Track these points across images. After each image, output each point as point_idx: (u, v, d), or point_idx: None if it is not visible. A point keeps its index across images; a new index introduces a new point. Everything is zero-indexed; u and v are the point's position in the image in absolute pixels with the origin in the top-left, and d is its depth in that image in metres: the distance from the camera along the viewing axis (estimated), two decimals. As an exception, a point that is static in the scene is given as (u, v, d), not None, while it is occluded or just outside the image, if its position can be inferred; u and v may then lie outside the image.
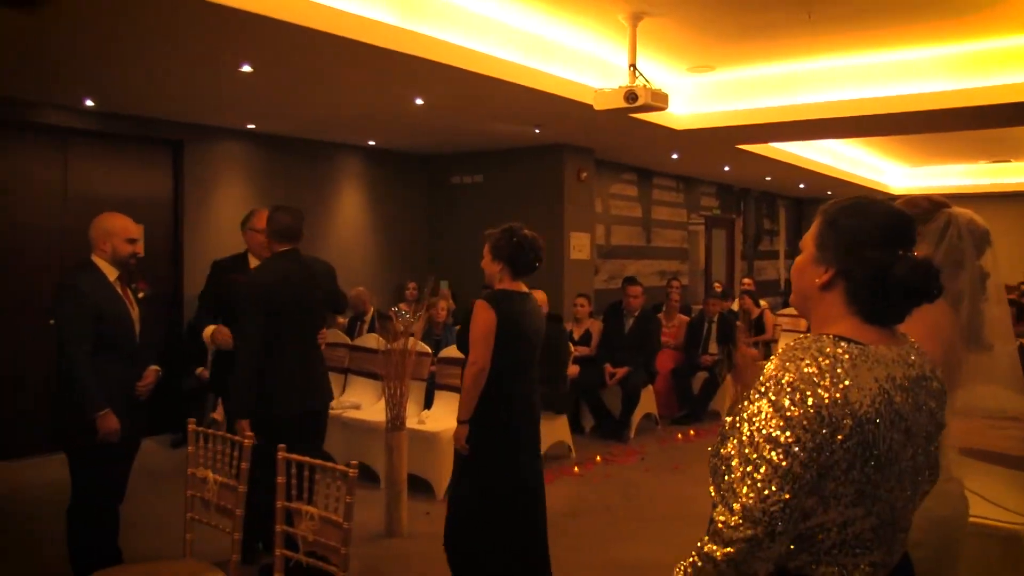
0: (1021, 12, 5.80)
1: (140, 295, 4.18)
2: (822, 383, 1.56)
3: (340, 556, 2.83)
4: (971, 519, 2.67)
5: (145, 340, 4.20)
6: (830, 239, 1.74)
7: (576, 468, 6.95)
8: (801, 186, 14.66)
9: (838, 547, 1.61)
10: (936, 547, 2.21)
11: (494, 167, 10.22)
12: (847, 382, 1.56)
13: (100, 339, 3.90)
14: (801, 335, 1.71)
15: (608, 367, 8.21)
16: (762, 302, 10.82)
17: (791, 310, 10.31)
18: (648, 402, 8.43)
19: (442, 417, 6.36)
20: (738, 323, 9.01)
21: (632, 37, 5.90)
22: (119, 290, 4.05)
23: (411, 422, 5.89)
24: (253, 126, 8.37)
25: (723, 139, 9.01)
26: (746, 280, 12.07)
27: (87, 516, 4.00)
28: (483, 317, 3.85)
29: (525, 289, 4.05)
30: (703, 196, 13.90)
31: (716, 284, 12.21)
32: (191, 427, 3.47)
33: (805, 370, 1.58)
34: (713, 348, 9.15)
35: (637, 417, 8.22)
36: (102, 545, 4.04)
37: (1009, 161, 13.73)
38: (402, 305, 8.87)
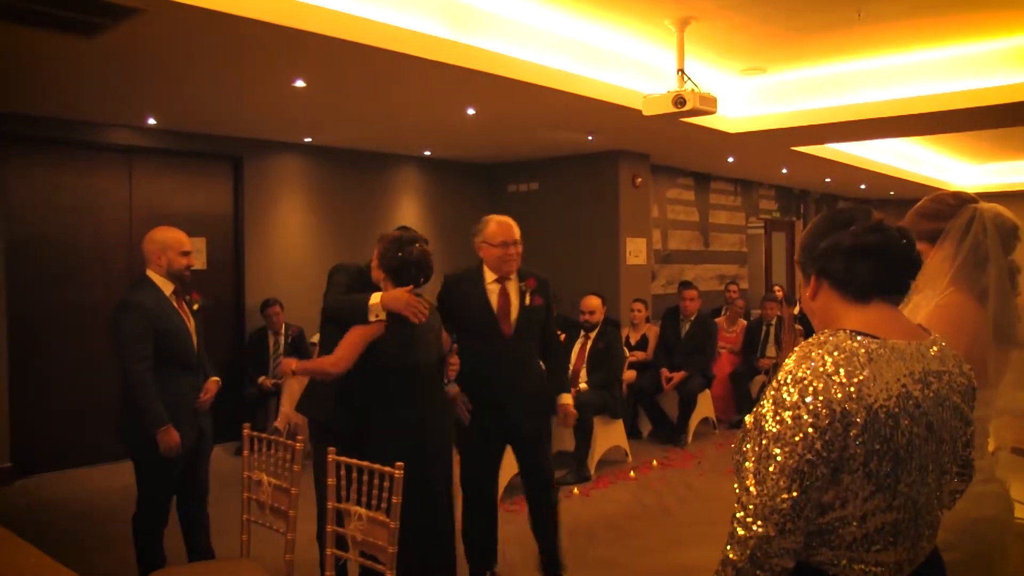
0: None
1: (195, 307, 4.25)
2: (836, 378, 1.57)
3: (388, 555, 2.91)
4: (1018, 520, 2.62)
5: (204, 351, 4.30)
6: (802, 258, 1.85)
7: (632, 472, 6.96)
8: (862, 187, 14.41)
9: (859, 542, 1.62)
10: (971, 550, 2.16)
11: (550, 174, 10.28)
12: (862, 376, 1.58)
13: (160, 353, 3.97)
14: (822, 332, 1.73)
15: (664, 371, 8.20)
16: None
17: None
18: (705, 406, 8.40)
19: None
20: (797, 326, 8.90)
21: (679, 41, 5.91)
22: (175, 304, 4.12)
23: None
24: (310, 139, 8.56)
25: (778, 141, 8.93)
26: (806, 283, 11.89)
27: (147, 516, 4.11)
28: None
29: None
30: (762, 199, 13.76)
31: (776, 288, 12.07)
32: (246, 432, 3.59)
33: (819, 367, 1.59)
34: (771, 351, 9.07)
35: (694, 421, 8.20)
36: (159, 543, 4.15)
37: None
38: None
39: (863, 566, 1.63)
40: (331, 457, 3.17)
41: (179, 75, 5.77)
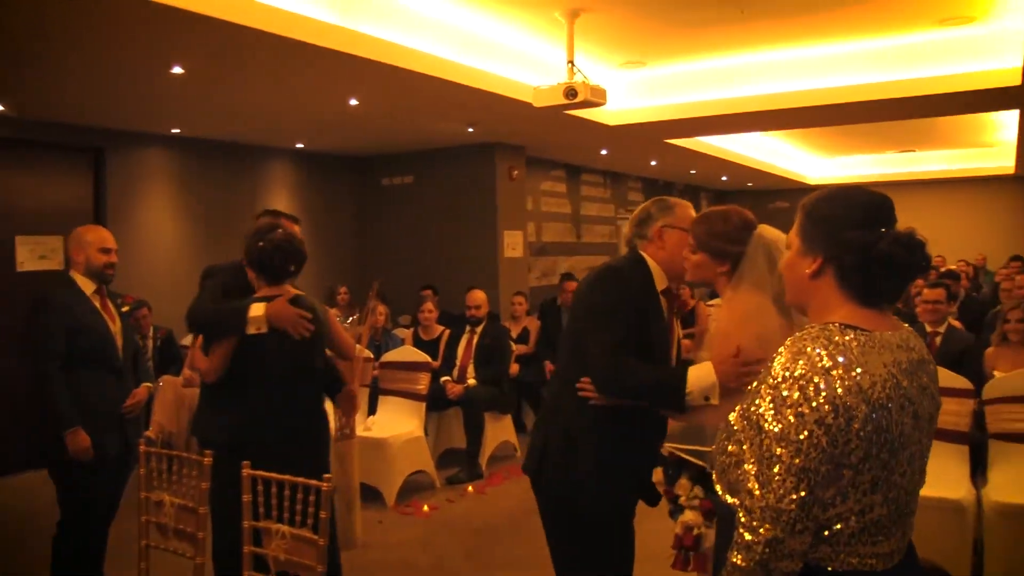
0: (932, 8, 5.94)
1: (124, 309, 4.11)
2: (835, 372, 1.56)
3: (316, 574, 2.71)
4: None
5: (139, 356, 4.18)
6: (812, 229, 1.76)
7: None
8: (724, 178, 14.89)
9: (857, 535, 1.61)
10: None
11: (425, 167, 10.10)
12: (858, 369, 1.57)
13: (79, 354, 3.79)
14: (808, 326, 1.70)
15: (548, 364, 8.16)
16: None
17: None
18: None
19: (388, 423, 6.25)
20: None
21: (570, 33, 5.87)
22: (98, 303, 3.92)
23: (357, 430, 5.75)
24: (178, 131, 8.08)
25: (653, 134, 9.06)
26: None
27: (72, 537, 3.85)
28: None
29: (293, 292, 3.64)
30: (630, 191, 14.00)
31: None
32: (142, 447, 3.30)
33: (817, 361, 1.58)
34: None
35: (580, 413, 8.19)
36: (85, 568, 3.89)
37: (914, 151, 14.25)
38: (334, 310, 8.72)
39: (859, 559, 1.62)
40: (246, 472, 2.94)
41: (34, 57, 5.26)
